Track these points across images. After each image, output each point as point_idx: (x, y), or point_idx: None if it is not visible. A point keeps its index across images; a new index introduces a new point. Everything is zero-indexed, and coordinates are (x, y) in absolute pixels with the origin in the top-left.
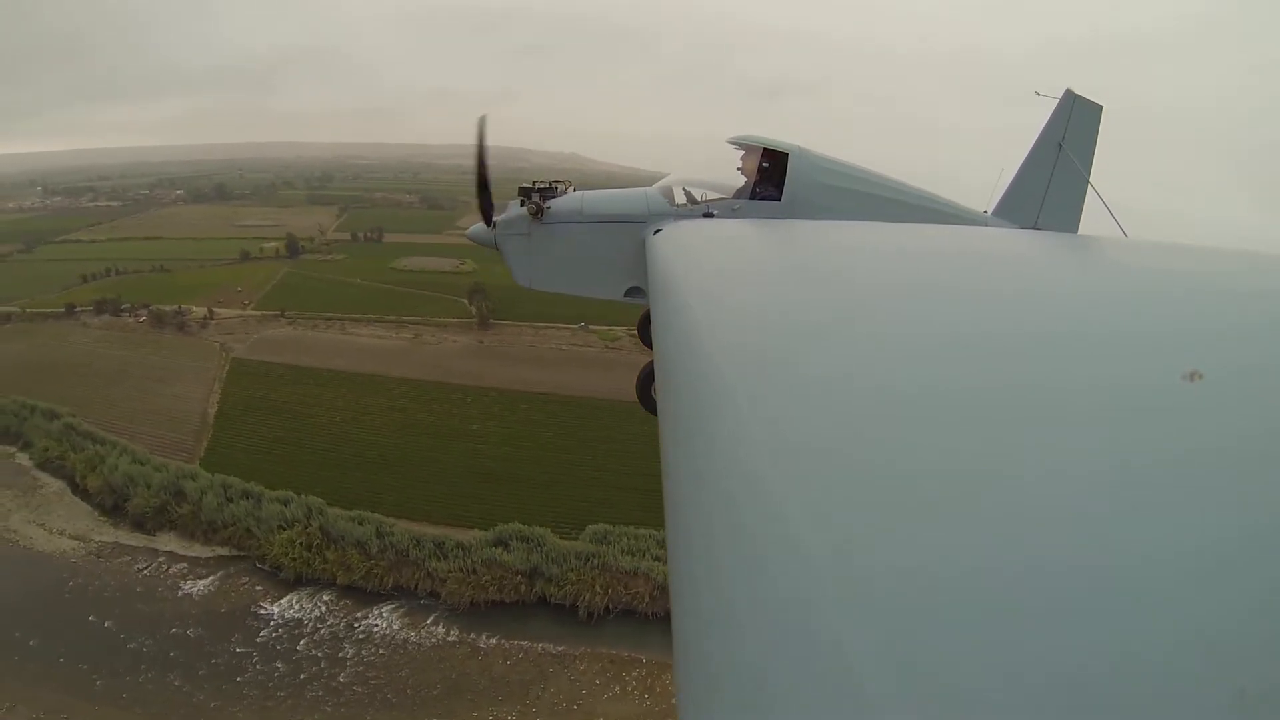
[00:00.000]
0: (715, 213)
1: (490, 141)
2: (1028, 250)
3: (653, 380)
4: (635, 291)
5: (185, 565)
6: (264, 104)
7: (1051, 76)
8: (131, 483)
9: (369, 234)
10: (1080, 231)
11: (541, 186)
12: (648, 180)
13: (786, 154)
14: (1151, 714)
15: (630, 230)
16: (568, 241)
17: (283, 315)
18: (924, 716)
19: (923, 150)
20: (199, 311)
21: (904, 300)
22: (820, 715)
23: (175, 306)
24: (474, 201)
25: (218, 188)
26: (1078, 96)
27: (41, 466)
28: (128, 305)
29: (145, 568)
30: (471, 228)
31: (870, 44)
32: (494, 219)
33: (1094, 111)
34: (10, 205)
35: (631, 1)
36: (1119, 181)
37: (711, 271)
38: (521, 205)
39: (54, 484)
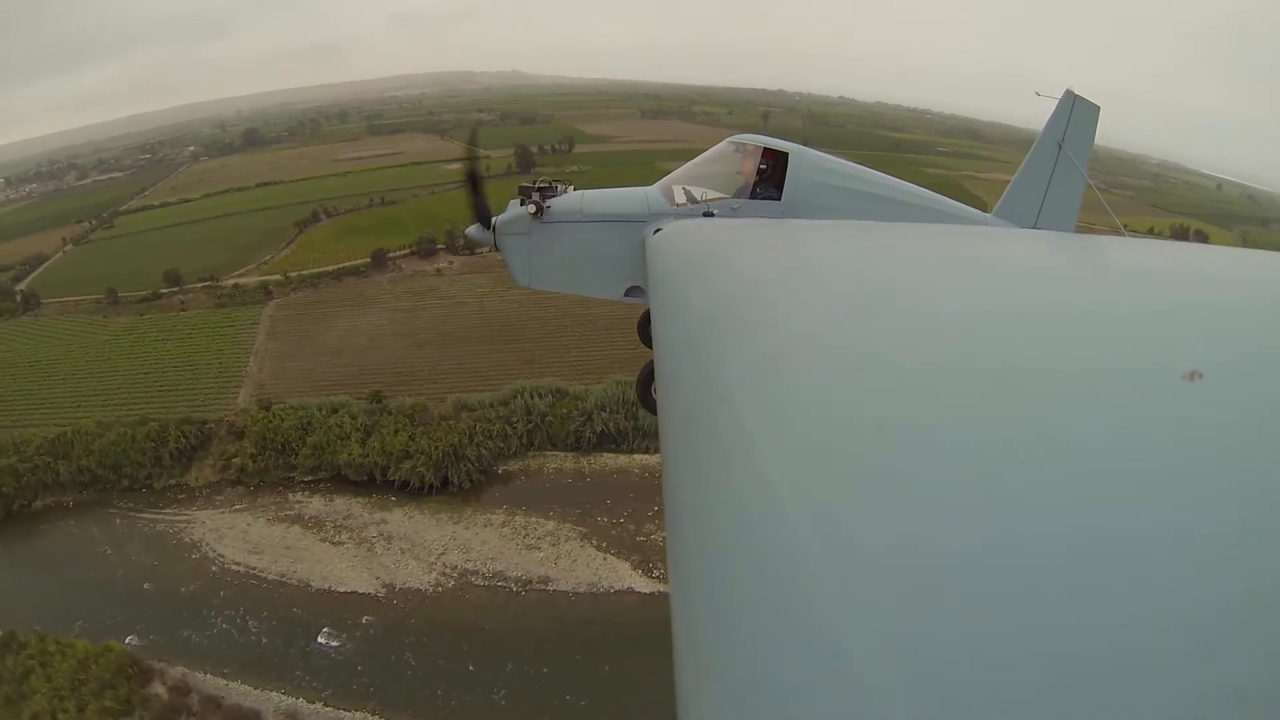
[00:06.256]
0: (715, 212)
1: (433, 68)
2: (1028, 250)
3: (653, 380)
4: (635, 291)
5: None
6: (192, 59)
7: None
8: None
9: (557, 146)
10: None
11: (542, 185)
12: (591, 88)
13: (786, 154)
14: (1150, 704)
15: (630, 230)
16: (567, 241)
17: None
18: (922, 707)
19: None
20: None
21: (904, 300)
22: (821, 708)
23: None
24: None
25: (247, 134)
26: (1077, 97)
27: None
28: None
29: None
30: (471, 226)
31: None
32: (493, 219)
33: (1092, 112)
34: None
35: None
36: None
37: (711, 271)
38: (521, 204)
39: None
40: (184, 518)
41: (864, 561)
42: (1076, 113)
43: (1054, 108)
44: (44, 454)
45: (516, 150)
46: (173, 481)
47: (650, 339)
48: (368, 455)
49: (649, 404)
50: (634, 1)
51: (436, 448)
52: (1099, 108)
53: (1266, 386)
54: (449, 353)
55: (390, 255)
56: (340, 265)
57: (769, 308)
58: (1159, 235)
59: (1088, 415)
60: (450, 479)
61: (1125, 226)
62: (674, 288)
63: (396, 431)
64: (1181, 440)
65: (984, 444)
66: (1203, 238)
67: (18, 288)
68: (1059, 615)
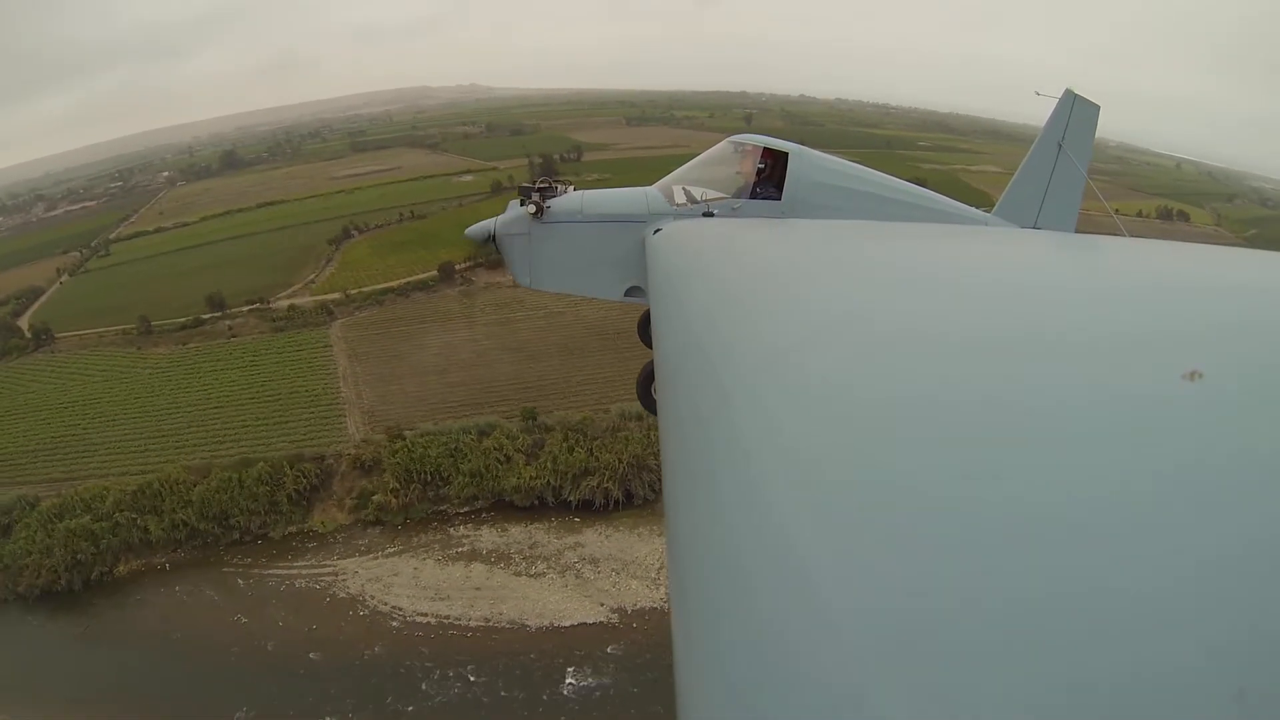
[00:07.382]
0: (715, 212)
1: (389, 85)
2: (1028, 250)
3: (653, 380)
4: (635, 291)
5: None
6: (144, 85)
7: None
8: None
9: (566, 155)
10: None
11: (542, 186)
12: (559, 98)
13: (786, 154)
14: (1153, 706)
15: (630, 230)
16: (568, 241)
17: None
18: (920, 709)
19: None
20: None
21: (904, 301)
22: (819, 711)
23: None
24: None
25: (225, 156)
26: (1077, 96)
27: None
28: None
29: None
30: (471, 227)
31: None
32: (494, 219)
33: (1092, 111)
34: None
35: None
36: None
37: (711, 271)
38: (522, 205)
39: None
40: (327, 569)
41: (863, 569)
42: (1076, 112)
43: (1054, 107)
44: (126, 509)
45: (533, 160)
46: (293, 529)
47: (650, 339)
48: (539, 476)
49: (649, 404)
50: (584, 9)
51: (620, 461)
52: (1099, 107)
53: (1271, 391)
54: (574, 364)
55: (457, 268)
56: (405, 280)
57: (768, 308)
58: (1147, 218)
59: (1093, 422)
60: (634, 492)
61: (1117, 211)
62: (674, 288)
63: (571, 449)
64: (1188, 448)
65: (987, 448)
66: (1185, 218)
67: (19, 322)
68: (1059, 616)
